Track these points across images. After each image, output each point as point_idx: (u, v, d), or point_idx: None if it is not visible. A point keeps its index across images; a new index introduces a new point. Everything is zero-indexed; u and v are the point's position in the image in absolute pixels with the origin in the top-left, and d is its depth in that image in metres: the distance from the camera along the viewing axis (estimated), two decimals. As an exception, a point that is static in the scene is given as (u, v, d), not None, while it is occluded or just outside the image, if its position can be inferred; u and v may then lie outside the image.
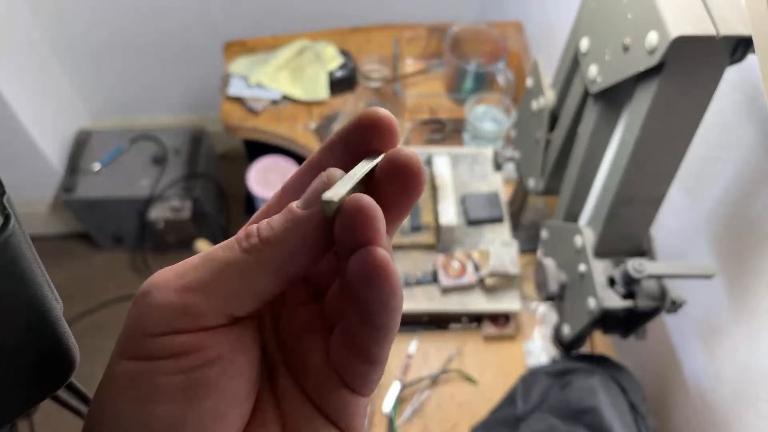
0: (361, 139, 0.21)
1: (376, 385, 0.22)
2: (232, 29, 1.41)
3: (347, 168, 0.21)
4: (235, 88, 1.17)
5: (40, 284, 0.24)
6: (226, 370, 0.20)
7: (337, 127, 1.12)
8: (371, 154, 0.21)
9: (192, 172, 1.54)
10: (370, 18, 1.34)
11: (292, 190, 0.23)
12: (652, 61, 0.50)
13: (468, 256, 0.92)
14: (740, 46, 0.50)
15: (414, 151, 0.21)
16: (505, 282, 0.90)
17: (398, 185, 0.21)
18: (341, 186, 0.20)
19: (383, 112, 0.21)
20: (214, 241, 1.48)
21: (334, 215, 0.19)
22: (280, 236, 0.20)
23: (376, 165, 0.21)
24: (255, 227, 0.20)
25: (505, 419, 0.77)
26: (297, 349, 0.23)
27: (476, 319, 0.91)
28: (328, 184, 0.20)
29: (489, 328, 0.90)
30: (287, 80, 1.18)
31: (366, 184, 0.21)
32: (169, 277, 0.20)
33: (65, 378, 0.27)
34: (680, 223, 0.78)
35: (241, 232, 0.21)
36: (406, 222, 0.94)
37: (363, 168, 0.21)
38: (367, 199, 0.19)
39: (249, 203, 1.37)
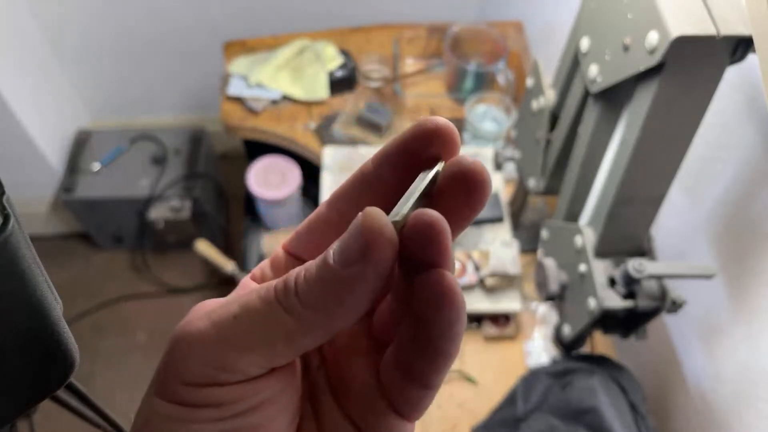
0: (420, 149, 0.20)
1: (426, 410, 0.21)
2: (232, 29, 1.41)
3: (402, 183, 0.20)
4: (235, 88, 1.17)
5: (40, 284, 0.24)
6: (268, 413, 0.20)
7: (337, 126, 1.13)
8: (427, 165, 0.20)
9: (192, 172, 1.54)
10: (370, 18, 1.34)
11: (340, 202, 0.22)
12: (653, 60, 0.50)
13: (468, 256, 0.92)
14: (740, 46, 0.50)
15: (476, 160, 0.19)
16: (505, 282, 0.90)
17: (463, 195, 0.19)
18: (402, 205, 0.18)
19: (443, 120, 0.20)
20: (214, 241, 1.48)
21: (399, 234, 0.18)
22: (319, 299, 0.18)
23: (436, 176, 0.20)
24: (293, 279, 0.19)
25: (505, 420, 0.77)
26: (341, 370, 0.22)
27: (476, 319, 0.91)
28: (367, 236, 0.17)
29: (489, 329, 0.90)
30: (287, 80, 1.18)
31: (428, 198, 0.20)
32: (206, 326, 0.19)
33: (65, 378, 0.27)
34: (680, 223, 0.78)
35: (278, 283, 0.19)
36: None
37: (423, 181, 0.19)
38: (434, 214, 0.18)
39: (249, 203, 1.37)
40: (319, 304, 0.18)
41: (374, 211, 0.18)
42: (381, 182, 0.21)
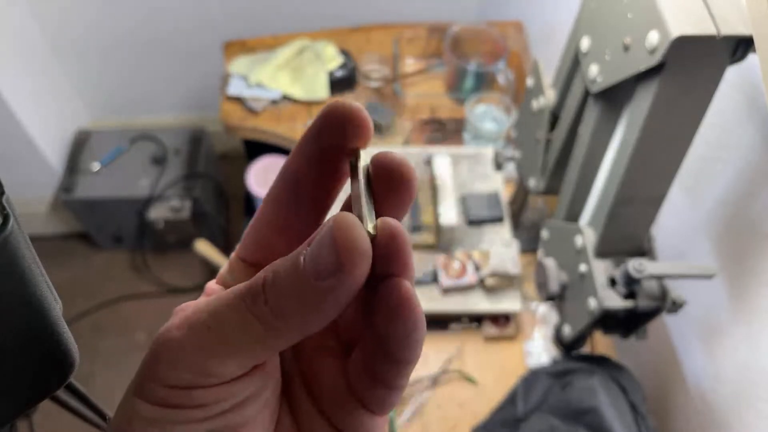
0: (333, 136, 0.20)
1: (395, 406, 0.21)
2: (232, 29, 1.41)
3: (325, 175, 0.20)
4: (235, 88, 1.17)
5: (40, 284, 0.24)
6: (252, 409, 0.20)
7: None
8: (350, 154, 0.20)
9: (192, 172, 1.54)
10: (370, 18, 1.34)
11: (274, 202, 0.22)
12: (653, 60, 0.50)
13: (468, 256, 0.92)
14: (741, 46, 0.50)
15: (401, 153, 0.20)
16: (505, 282, 0.90)
17: (392, 192, 0.20)
18: (365, 212, 0.18)
19: (350, 104, 0.19)
20: (214, 241, 1.48)
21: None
22: (292, 310, 0.18)
23: (368, 171, 0.20)
24: (261, 285, 0.18)
25: (505, 420, 0.77)
26: (312, 367, 0.22)
27: (476, 319, 0.91)
28: (342, 247, 0.17)
29: (489, 329, 0.90)
30: (287, 80, 1.18)
31: (372, 197, 0.20)
32: (185, 335, 0.19)
33: (65, 378, 0.26)
34: (680, 223, 0.78)
35: (245, 290, 0.19)
36: (406, 222, 0.94)
37: (361, 183, 0.19)
38: (398, 225, 0.18)
39: (249, 203, 1.37)
40: (291, 314, 0.18)
41: (348, 223, 0.17)
42: (307, 179, 0.21)
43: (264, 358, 0.20)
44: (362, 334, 0.21)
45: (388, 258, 0.18)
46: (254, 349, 0.19)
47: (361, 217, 0.18)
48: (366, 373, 0.20)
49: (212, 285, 0.23)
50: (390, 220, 0.18)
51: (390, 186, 0.19)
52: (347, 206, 0.21)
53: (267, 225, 0.22)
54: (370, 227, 0.18)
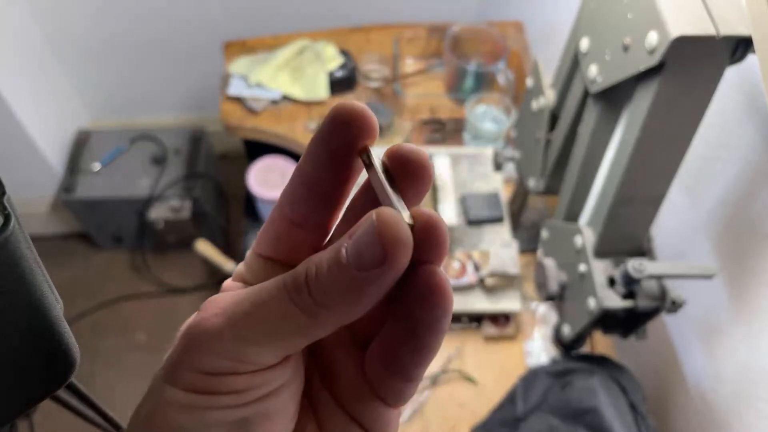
0: (342, 138, 0.20)
1: (410, 398, 0.22)
2: (232, 29, 1.41)
3: (339, 177, 0.21)
4: (235, 88, 1.17)
5: (40, 284, 0.24)
6: (282, 398, 0.21)
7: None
8: (361, 152, 0.21)
9: (192, 172, 1.54)
10: (370, 18, 1.34)
11: (290, 204, 0.22)
12: (653, 61, 0.50)
13: (468, 256, 0.92)
14: (740, 46, 0.50)
15: (414, 146, 0.21)
16: (505, 282, 0.90)
17: (412, 181, 0.21)
18: (398, 206, 0.19)
19: (355, 104, 0.20)
20: (214, 241, 1.48)
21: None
22: (335, 299, 0.19)
23: (385, 167, 0.21)
24: (304, 277, 0.19)
25: (505, 419, 0.77)
26: (329, 362, 0.23)
27: (476, 319, 0.91)
28: (388, 244, 0.18)
29: (489, 329, 0.90)
30: (287, 80, 1.18)
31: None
32: (222, 323, 0.19)
33: (65, 378, 0.27)
34: (680, 223, 0.78)
35: (290, 280, 0.19)
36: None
37: (382, 177, 0.20)
38: (436, 215, 0.19)
39: (249, 203, 1.37)
40: (334, 303, 0.19)
41: (389, 216, 0.18)
42: (321, 179, 0.21)
43: (301, 346, 0.20)
44: (383, 325, 0.21)
45: (426, 246, 0.19)
46: (293, 338, 0.19)
47: (396, 209, 0.19)
48: (384, 364, 0.21)
49: (230, 283, 0.24)
50: (425, 210, 0.19)
51: (408, 175, 0.20)
52: (359, 197, 0.23)
53: (284, 220, 0.22)
54: (407, 218, 0.19)
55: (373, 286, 0.18)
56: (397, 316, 0.20)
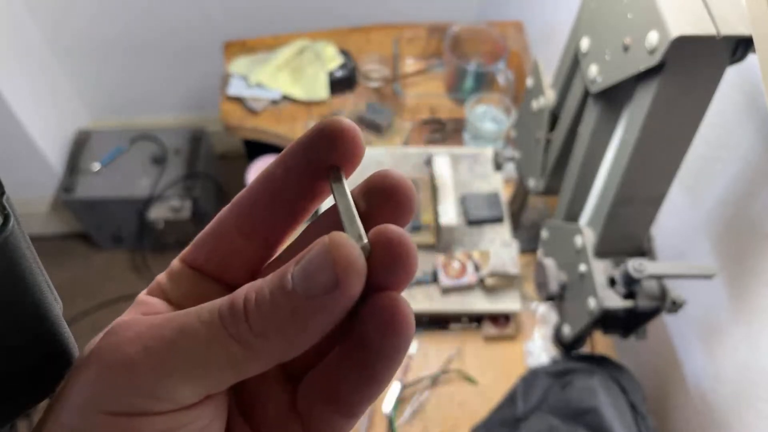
0: (324, 151, 0.19)
1: None
2: (232, 29, 1.41)
3: (307, 189, 0.20)
4: (235, 88, 1.17)
5: (40, 284, 0.24)
6: None
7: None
8: (332, 172, 0.20)
9: (192, 172, 1.54)
10: (370, 18, 1.34)
11: (249, 209, 0.21)
12: (653, 60, 0.50)
13: (468, 256, 0.92)
14: (740, 46, 0.50)
15: (401, 173, 0.19)
16: (505, 282, 0.90)
17: (390, 210, 0.19)
18: (354, 228, 0.18)
19: (347, 123, 0.19)
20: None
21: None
22: (277, 330, 0.17)
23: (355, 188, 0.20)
24: (241, 303, 0.17)
25: (505, 419, 0.77)
26: (253, 396, 0.21)
27: (476, 319, 0.91)
28: (340, 265, 0.16)
29: (489, 329, 0.90)
30: (287, 80, 1.18)
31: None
32: (138, 352, 0.17)
33: (65, 378, 0.26)
34: (680, 223, 0.78)
35: (224, 308, 0.17)
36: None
37: (348, 197, 0.19)
38: (403, 239, 0.17)
39: (249, 203, 1.37)
40: (275, 334, 0.17)
41: (343, 241, 0.16)
42: (288, 189, 0.20)
43: (228, 384, 0.18)
44: (320, 357, 0.19)
45: (388, 268, 0.17)
46: (223, 374, 0.17)
47: (354, 232, 0.18)
48: (324, 399, 0.19)
49: (146, 297, 0.21)
50: (391, 228, 0.17)
51: (390, 203, 0.19)
52: (312, 229, 0.21)
53: (234, 228, 0.21)
54: (363, 243, 0.18)
55: (322, 315, 0.16)
56: (347, 345, 0.18)
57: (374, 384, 0.18)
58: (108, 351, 0.17)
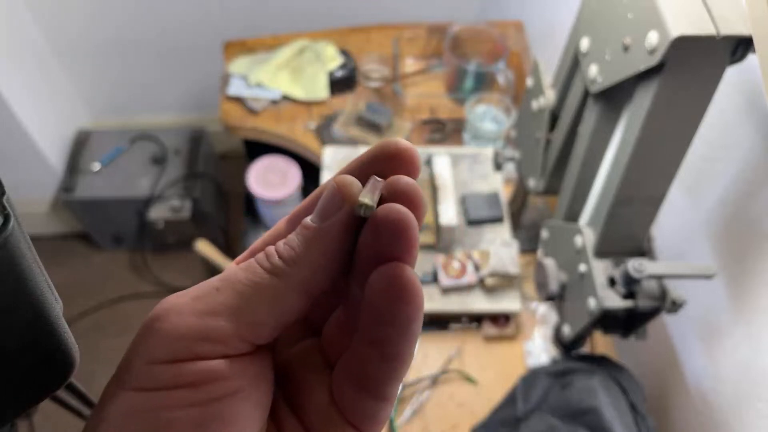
0: (381, 170, 0.20)
1: (386, 423, 0.21)
2: (232, 29, 1.41)
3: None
4: (235, 88, 1.17)
5: (40, 284, 0.24)
6: (244, 403, 0.19)
7: (337, 126, 1.13)
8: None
9: (192, 172, 1.54)
10: (370, 18, 1.34)
11: (303, 216, 0.22)
12: (653, 60, 0.50)
13: (468, 256, 0.92)
14: (740, 46, 0.50)
15: (413, 181, 0.20)
16: (505, 282, 0.90)
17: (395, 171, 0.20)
18: (370, 192, 0.19)
19: (404, 144, 0.20)
20: (214, 241, 1.48)
21: (361, 222, 0.19)
22: (303, 254, 0.19)
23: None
24: (273, 248, 0.20)
25: (505, 419, 0.77)
26: (296, 387, 0.21)
27: (476, 319, 0.91)
28: (343, 190, 0.19)
29: (489, 329, 0.90)
30: (287, 80, 1.18)
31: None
32: (186, 300, 0.19)
33: (65, 378, 0.26)
34: (680, 223, 0.78)
35: (259, 254, 0.20)
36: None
37: (378, 182, 0.20)
38: (404, 209, 0.18)
39: (249, 203, 1.37)
40: (303, 258, 0.19)
41: (346, 176, 0.20)
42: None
43: (267, 326, 0.19)
44: (351, 343, 0.20)
45: (392, 238, 0.18)
46: (259, 311, 0.19)
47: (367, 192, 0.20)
48: (352, 383, 0.19)
49: None
50: (397, 205, 0.18)
51: (393, 165, 0.21)
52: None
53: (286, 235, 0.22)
54: (367, 199, 0.19)
55: (336, 230, 0.19)
56: (364, 325, 0.19)
57: (395, 360, 0.19)
58: (161, 304, 0.19)
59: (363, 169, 0.21)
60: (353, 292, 0.20)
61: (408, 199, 0.19)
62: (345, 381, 0.20)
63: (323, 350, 0.22)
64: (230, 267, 0.20)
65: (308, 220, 0.20)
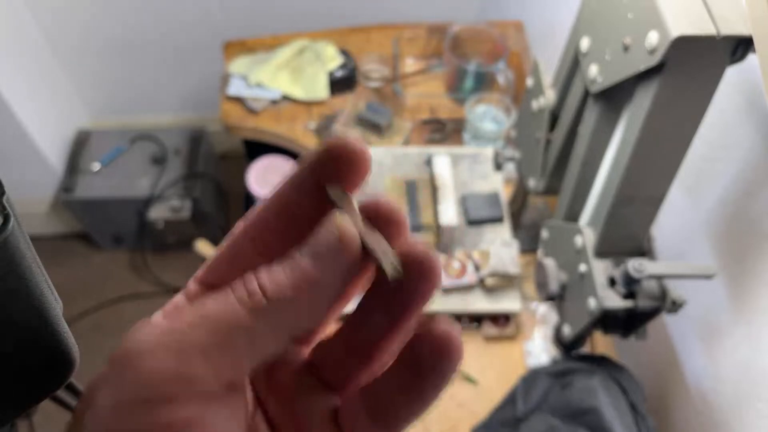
0: (332, 172, 0.19)
1: None
2: (232, 29, 1.41)
3: (317, 209, 0.19)
4: (235, 88, 1.17)
5: (40, 284, 0.24)
6: None
7: (337, 126, 1.12)
8: (333, 188, 0.20)
9: (191, 172, 1.54)
10: (370, 18, 1.34)
11: (259, 229, 0.21)
12: (653, 60, 0.50)
13: (468, 256, 0.92)
14: (740, 46, 0.50)
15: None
16: (505, 282, 0.90)
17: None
18: (382, 247, 0.19)
19: (354, 142, 0.19)
20: (214, 241, 1.48)
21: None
22: (289, 297, 0.18)
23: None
24: (255, 282, 0.18)
25: (505, 420, 0.77)
26: (293, 412, 0.21)
27: (476, 319, 0.91)
28: (347, 249, 0.18)
29: (489, 329, 0.90)
30: (287, 80, 1.18)
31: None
32: (157, 336, 0.17)
33: (65, 378, 0.26)
34: (680, 223, 0.78)
35: (238, 286, 0.18)
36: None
37: (378, 236, 0.19)
38: (435, 260, 0.19)
39: (249, 203, 1.37)
40: (290, 301, 0.18)
41: (349, 229, 0.18)
42: (301, 209, 0.20)
43: (243, 364, 0.18)
44: (380, 378, 0.20)
45: (423, 294, 0.19)
46: (236, 349, 0.18)
47: (387, 261, 0.19)
48: (369, 414, 0.19)
49: (161, 320, 0.21)
50: (418, 247, 0.19)
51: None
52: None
53: (250, 247, 0.21)
54: (395, 263, 0.19)
55: (327, 273, 0.18)
56: (399, 367, 0.19)
57: (422, 404, 0.19)
58: (129, 341, 0.18)
59: (314, 173, 0.19)
60: (387, 323, 0.20)
61: (427, 268, 0.19)
62: (359, 411, 0.20)
63: (316, 368, 0.21)
64: (200, 299, 0.19)
65: (299, 256, 0.18)
